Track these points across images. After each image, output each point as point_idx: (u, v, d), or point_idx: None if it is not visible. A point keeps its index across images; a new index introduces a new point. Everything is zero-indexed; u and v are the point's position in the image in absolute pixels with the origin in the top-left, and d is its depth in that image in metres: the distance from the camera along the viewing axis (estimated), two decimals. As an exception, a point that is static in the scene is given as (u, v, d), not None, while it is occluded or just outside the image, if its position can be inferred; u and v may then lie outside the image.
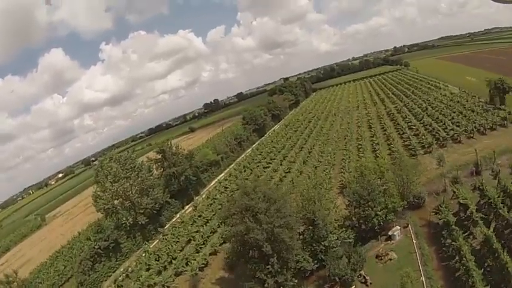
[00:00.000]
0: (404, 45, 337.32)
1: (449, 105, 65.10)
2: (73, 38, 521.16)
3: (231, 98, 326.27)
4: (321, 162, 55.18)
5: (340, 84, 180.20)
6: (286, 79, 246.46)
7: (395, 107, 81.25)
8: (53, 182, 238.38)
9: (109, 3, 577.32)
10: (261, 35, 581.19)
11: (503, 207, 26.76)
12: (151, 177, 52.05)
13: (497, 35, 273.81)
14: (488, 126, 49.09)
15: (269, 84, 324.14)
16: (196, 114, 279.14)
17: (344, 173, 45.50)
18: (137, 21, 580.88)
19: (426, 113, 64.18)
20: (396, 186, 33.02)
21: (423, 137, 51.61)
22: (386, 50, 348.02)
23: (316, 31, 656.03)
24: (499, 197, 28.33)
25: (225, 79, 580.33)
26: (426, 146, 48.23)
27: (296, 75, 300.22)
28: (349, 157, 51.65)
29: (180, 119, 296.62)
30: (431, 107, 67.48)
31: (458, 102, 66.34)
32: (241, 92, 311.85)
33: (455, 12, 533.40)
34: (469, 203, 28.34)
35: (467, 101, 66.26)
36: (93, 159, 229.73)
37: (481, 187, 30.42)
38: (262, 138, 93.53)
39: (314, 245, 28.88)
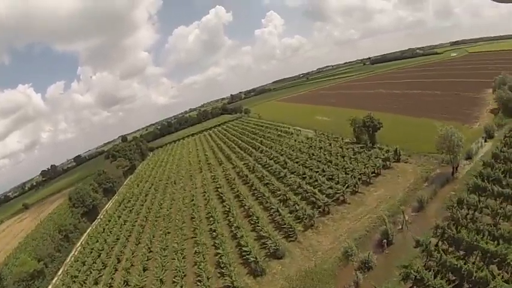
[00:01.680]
0: (240, 92, 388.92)
1: (312, 154, 62.51)
2: None
3: (69, 162, 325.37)
4: (165, 267, 43.05)
5: (179, 140, 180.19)
6: (124, 137, 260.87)
7: (246, 164, 75.69)
8: None
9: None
10: (100, 91, 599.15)
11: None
12: None
13: (331, 72, 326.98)
14: (372, 173, 46.16)
15: (108, 143, 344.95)
16: (34, 184, 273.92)
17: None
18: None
19: (288, 170, 59.16)
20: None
21: (296, 206, 44.41)
22: (223, 98, 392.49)
23: (154, 85, 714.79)
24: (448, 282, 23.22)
25: (65, 140, 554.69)
26: (305, 218, 40.70)
27: (135, 132, 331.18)
28: (204, 257, 40.49)
29: (19, 189, 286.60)
30: (291, 160, 63.66)
31: (320, 148, 64.82)
32: (79, 155, 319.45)
33: (288, 56, 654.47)
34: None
35: (330, 145, 65.69)
36: None
37: (417, 277, 23.29)
38: (94, 223, 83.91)
39: None
